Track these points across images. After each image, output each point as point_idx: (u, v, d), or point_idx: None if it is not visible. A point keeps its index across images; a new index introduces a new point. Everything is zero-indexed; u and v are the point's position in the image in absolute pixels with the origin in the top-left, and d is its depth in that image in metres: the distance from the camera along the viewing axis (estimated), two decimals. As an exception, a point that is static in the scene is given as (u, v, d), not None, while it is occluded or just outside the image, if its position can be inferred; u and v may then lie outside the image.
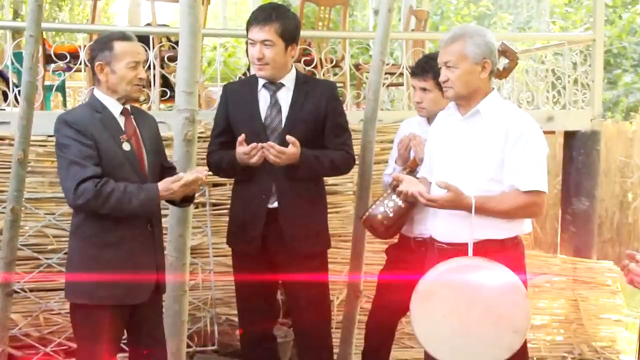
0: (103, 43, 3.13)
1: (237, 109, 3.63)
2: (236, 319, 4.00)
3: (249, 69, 6.41)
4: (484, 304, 2.86)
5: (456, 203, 2.96)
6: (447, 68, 3.06)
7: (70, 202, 3.06)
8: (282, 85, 3.60)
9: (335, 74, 6.37)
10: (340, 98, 4.15)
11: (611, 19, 15.56)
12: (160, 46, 5.61)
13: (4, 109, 5.62)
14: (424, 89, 3.72)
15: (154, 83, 5.45)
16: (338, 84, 5.89)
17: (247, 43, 3.57)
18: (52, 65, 5.63)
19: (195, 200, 4.73)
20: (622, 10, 16.00)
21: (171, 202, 3.36)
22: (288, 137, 3.41)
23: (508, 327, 2.85)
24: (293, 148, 3.40)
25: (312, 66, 5.91)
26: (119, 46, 3.10)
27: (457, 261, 2.94)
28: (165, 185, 3.08)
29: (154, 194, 3.07)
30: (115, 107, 3.17)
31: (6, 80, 6.15)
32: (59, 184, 3.19)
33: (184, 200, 3.32)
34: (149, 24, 6.28)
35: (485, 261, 2.90)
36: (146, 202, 3.06)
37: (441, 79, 3.11)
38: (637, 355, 2.37)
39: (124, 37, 3.14)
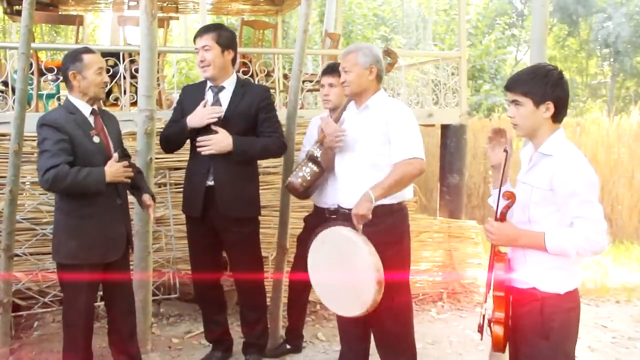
0: (73, 56, 3.02)
1: (189, 104, 3.52)
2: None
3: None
4: (351, 270, 2.77)
5: (364, 197, 2.82)
6: (345, 72, 3.07)
7: (41, 185, 2.92)
8: (223, 87, 3.51)
9: (267, 82, 6.25)
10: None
11: (474, 42, 15.91)
12: (131, 60, 5.40)
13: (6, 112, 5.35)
14: (331, 85, 3.66)
15: (125, 90, 5.25)
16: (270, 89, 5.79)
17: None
18: (46, 76, 5.36)
19: (158, 181, 4.64)
20: (482, 37, 16.40)
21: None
22: (213, 127, 3.36)
23: (361, 295, 2.74)
24: (219, 135, 3.34)
25: (249, 75, 5.78)
26: (87, 57, 3.01)
27: (344, 230, 2.83)
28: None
29: (101, 173, 2.92)
30: (85, 109, 3.06)
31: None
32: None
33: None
34: (122, 45, 6.07)
35: (363, 241, 2.76)
36: (96, 180, 2.90)
37: (341, 80, 3.11)
38: (486, 287, 2.37)
39: (89, 50, 3.07)
